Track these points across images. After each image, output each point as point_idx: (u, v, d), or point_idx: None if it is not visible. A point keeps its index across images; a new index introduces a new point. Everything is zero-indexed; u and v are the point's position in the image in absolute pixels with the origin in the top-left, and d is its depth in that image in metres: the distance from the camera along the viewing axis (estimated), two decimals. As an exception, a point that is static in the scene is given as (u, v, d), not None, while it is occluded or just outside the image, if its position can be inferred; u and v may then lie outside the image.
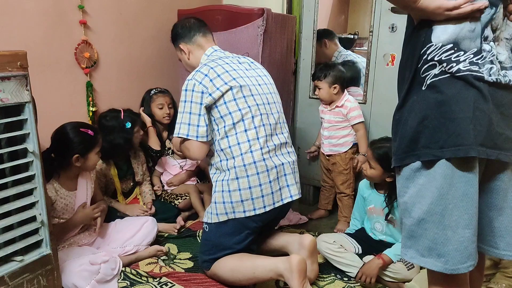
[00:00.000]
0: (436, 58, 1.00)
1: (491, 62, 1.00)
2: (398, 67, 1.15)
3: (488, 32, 1.00)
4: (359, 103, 2.39)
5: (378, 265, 1.75)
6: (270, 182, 1.71)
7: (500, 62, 1.01)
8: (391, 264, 1.77)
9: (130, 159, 2.34)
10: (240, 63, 1.88)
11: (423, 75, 1.03)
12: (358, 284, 1.80)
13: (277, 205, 1.73)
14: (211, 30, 2.39)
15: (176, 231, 2.23)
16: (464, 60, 0.99)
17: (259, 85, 1.84)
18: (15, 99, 1.29)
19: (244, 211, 1.69)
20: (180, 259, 1.99)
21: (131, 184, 2.37)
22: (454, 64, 0.99)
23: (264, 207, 1.70)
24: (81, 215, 1.82)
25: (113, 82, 2.46)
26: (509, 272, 1.62)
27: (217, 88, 1.70)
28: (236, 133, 1.71)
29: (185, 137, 1.71)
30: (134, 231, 1.95)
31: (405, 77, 1.08)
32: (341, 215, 2.39)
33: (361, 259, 1.87)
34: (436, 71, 1.01)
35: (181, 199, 2.41)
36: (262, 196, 1.70)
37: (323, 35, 2.78)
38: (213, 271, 1.75)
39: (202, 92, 1.70)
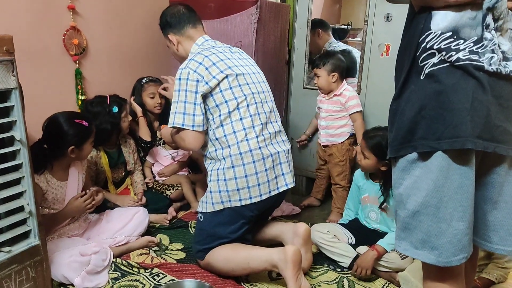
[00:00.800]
0: (435, 47, 0.98)
1: (492, 51, 0.97)
2: (396, 57, 1.12)
3: (489, 20, 0.97)
4: (353, 93, 2.38)
5: (373, 257, 1.75)
6: (266, 170, 1.69)
7: (502, 52, 0.98)
8: (385, 254, 1.76)
9: (121, 148, 2.30)
10: (232, 52, 1.86)
11: (422, 64, 1.00)
12: (351, 274, 1.80)
13: (273, 193, 1.72)
14: (204, 18, 2.37)
15: (168, 222, 2.20)
16: (464, 49, 0.96)
17: (253, 73, 1.83)
18: (0, 85, 1.25)
19: (240, 200, 1.68)
20: (172, 250, 1.96)
21: (123, 173, 2.33)
22: (454, 53, 0.96)
23: (260, 195, 1.69)
24: (71, 207, 1.75)
25: (103, 70, 2.40)
26: (501, 262, 1.63)
27: (213, 77, 1.68)
28: (231, 122, 1.69)
29: (181, 126, 1.67)
30: (125, 221, 1.91)
31: (403, 66, 1.05)
32: (334, 206, 2.39)
33: (355, 249, 1.87)
34: (435, 59, 0.98)
35: (172, 190, 2.38)
36: (258, 185, 1.68)
37: (317, 25, 2.76)
38: (207, 261, 1.73)
39: (197, 81, 1.67)
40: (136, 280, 1.69)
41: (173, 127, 1.71)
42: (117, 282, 1.67)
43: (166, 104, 2.47)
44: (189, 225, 2.19)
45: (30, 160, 1.36)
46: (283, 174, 1.77)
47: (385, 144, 1.84)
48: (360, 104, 2.30)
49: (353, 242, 1.94)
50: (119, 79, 2.49)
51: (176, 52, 1.94)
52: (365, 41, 2.32)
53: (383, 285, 1.75)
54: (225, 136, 1.69)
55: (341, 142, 2.34)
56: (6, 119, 1.29)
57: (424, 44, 0.99)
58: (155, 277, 1.72)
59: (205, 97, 1.69)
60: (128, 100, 2.41)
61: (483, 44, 0.96)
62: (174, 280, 1.70)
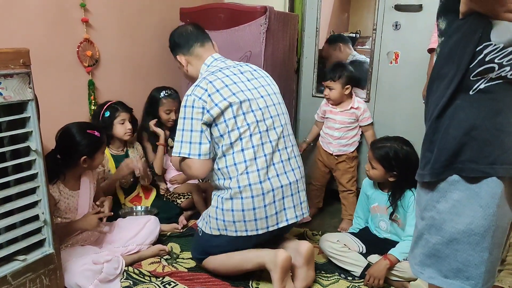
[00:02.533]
0: (496, 61, 0.88)
1: None
2: (435, 63, 0.99)
3: None
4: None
5: (385, 266, 1.74)
6: (265, 206, 1.65)
7: None
8: (397, 263, 1.75)
9: (127, 153, 2.32)
10: (241, 72, 1.78)
11: (475, 78, 0.90)
12: (364, 285, 1.79)
13: (271, 229, 1.68)
14: (213, 28, 2.40)
15: (179, 231, 2.21)
16: None
17: (262, 97, 1.74)
18: (18, 97, 1.28)
19: (236, 231, 1.67)
20: (183, 258, 1.97)
21: (131, 179, 2.34)
22: (508, 68, 0.88)
23: (257, 230, 1.66)
24: (85, 223, 1.77)
25: (115, 80, 2.44)
26: (513, 269, 1.61)
27: (216, 104, 1.63)
28: (233, 153, 1.66)
29: (187, 156, 1.65)
30: (137, 230, 1.93)
31: (445, 76, 0.94)
32: (346, 213, 2.39)
33: (366, 258, 1.86)
34: (493, 75, 0.89)
35: (183, 198, 2.40)
36: (255, 220, 1.65)
37: (337, 39, 2.80)
38: (203, 265, 1.81)
39: (203, 108, 1.64)
40: (148, 289, 1.71)
41: (180, 156, 1.68)
42: (129, 290, 1.69)
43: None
44: (200, 233, 2.20)
45: (45, 170, 1.39)
46: (284, 209, 1.70)
47: (392, 156, 1.84)
48: (371, 116, 2.34)
49: (364, 251, 1.93)
50: (131, 89, 2.53)
51: (186, 73, 1.92)
52: (374, 49, 2.33)
53: (395, 294, 1.74)
54: (226, 167, 1.66)
55: (352, 151, 2.37)
56: (23, 129, 1.32)
57: (482, 56, 0.89)
58: (167, 286, 1.73)
59: (209, 125, 1.66)
60: (141, 119, 2.43)
61: None
62: (185, 288, 1.71)
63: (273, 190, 1.67)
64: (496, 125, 0.89)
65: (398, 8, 2.20)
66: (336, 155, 2.39)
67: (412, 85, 2.20)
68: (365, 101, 2.40)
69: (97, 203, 1.88)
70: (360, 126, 2.34)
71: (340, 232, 2.25)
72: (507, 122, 0.89)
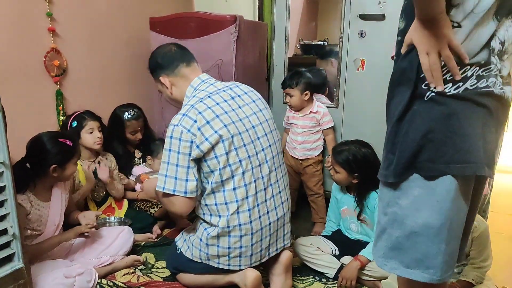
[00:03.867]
0: (447, 77, 0.92)
1: (496, 76, 0.94)
2: (394, 66, 1.04)
3: (495, 44, 0.93)
4: (330, 107, 2.45)
5: (357, 267, 1.79)
6: (252, 245, 1.62)
7: (501, 77, 0.96)
8: (369, 263, 1.80)
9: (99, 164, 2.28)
10: (232, 98, 1.66)
11: (425, 87, 0.94)
12: (337, 287, 1.82)
13: (253, 265, 1.66)
14: (183, 37, 2.42)
15: (153, 240, 2.19)
16: (471, 76, 0.92)
17: (253, 127, 1.65)
18: (-17, 108, 1.25)
19: (218, 263, 1.65)
20: (158, 268, 1.96)
21: (104, 192, 2.31)
22: (461, 84, 0.92)
23: (240, 266, 1.64)
24: (69, 235, 1.79)
25: (83, 90, 2.41)
26: (476, 262, 1.69)
27: (206, 139, 1.53)
28: (224, 190, 1.57)
29: (171, 192, 1.55)
30: (110, 241, 1.90)
31: (401, 84, 0.99)
32: (317, 217, 2.44)
33: (339, 260, 1.90)
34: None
35: (156, 208, 2.38)
36: (240, 257, 1.62)
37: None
38: (176, 278, 1.81)
39: (191, 142, 1.52)
40: (122, 300, 1.68)
41: (164, 192, 1.58)
42: (103, 303, 1.66)
43: (144, 133, 2.52)
44: (174, 242, 2.18)
45: (13, 183, 1.35)
46: (269, 246, 1.68)
47: (352, 158, 1.92)
48: (332, 120, 2.41)
49: (337, 253, 1.98)
50: (100, 99, 2.50)
51: (170, 96, 1.77)
52: (341, 57, 2.40)
53: (368, 294, 1.79)
54: (215, 204, 1.58)
55: (317, 155, 2.43)
56: (-11, 142, 1.29)
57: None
58: (142, 296, 1.72)
59: (198, 160, 1.56)
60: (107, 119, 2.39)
61: (490, 68, 0.93)
62: (161, 298, 1.70)
63: (261, 228, 1.63)
64: (449, 127, 0.93)
65: (363, 17, 2.28)
66: (302, 159, 2.44)
67: (378, 90, 2.27)
68: (333, 107, 2.47)
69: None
70: (322, 130, 2.40)
71: (313, 235, 2.29)
72: (459, 124, 0.93)
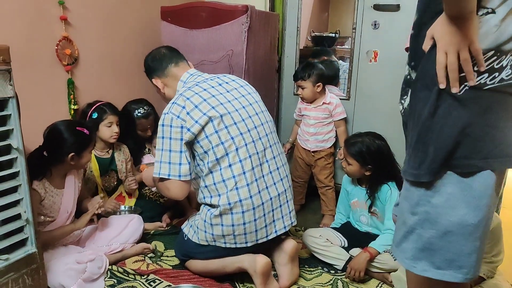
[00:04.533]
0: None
1: None
2: (422, 63, 0.98)
3: None
4: (342, 99, 2.43)
5: (366, 259, 1.78)
6: (255, 220, 1.63)
7: None
8: (378, 255, 1.80)
9: (113, 155, 2.30)
10: (219, 84, 1.74)
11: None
12: (345, 277, 1.82)
13: (260, 241, 1.67)
14: (195, 27, 2.41)
15: (163, 228, 2.21)
16: (507, 66, 0.88)
17: (243, 107, 1.70)
18: (-2, 94, 1.26)
19: (225, 243, 1.66)
20: (167, 256, 1.97)
21: (115, 182, 2.32)
22: (497, 74, 0.88)
23: (246, 243, 1.65)
24: (80, 224, 1.81)
25: (95, 79, 2.42)
26: (488, 257, 1.67)
27: (196, 121, 1.59)
28: (220, 169, 1.62)
29: (166, 177, 1.62)
30: (120, 229, 1.92)
31: (430, 80, 0.94)
32: (326, 209, 2.43)
33: (348, 252, 1.90)
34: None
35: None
36: (245, 234, 1.64)
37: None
38: (186, 265, 1.83)
39: (182, 127, 1.59)
40: (133, 287, 1.70)
41: (159, 177, 1.65)
42: (113, 289, 1.68)
43: (155, 124, 2.49)
44: (184, 231, 2.20)
45: (26, 168, 1.37)
46: (274, 221, 1.70)
47: (365, 150, 1.90)
48: (344, 111, 2.38)
49: (346, 245, 1.97)
50: (111, 88, 2.51)
51: (164, 96, 1.88)
52: (354, 48, 2.38)
53: (377, 286, 1.78)
54: (214, 184, 1.62)
55: (329, 147, 2.42)
56: (4, 127, 1.30)
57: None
58: (151, 283, 1.73)
59: (191, 143, 1.62)
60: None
61: None
62: (171, 285, 1.71)
63: (263, 203, 1.65)
64: (487, 121, 0.90)
65: (377, 7, 2.26)
66: (314, 151, 2.43)
67: (391, 83, 2.26)
68: (345, 99, 2.45)
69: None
70: (334, 122, 2.39)
71: (322, 227, 2.29)
72: (496, 117, 0.90)
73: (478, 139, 0.91)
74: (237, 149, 1.62)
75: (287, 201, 1.75)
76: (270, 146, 1.73)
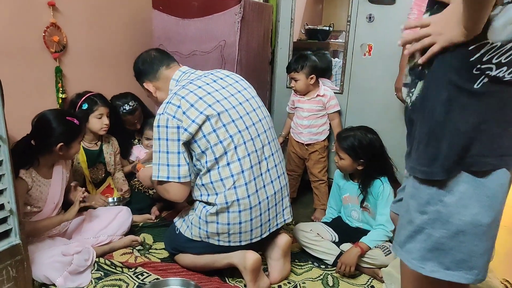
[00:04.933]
0: (494, 61, 0.85)
1: None
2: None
3: None
4: (335, 93, 2.41)
5: (356, 254, 1.77)
6: (251, 220, 1.60)
7: None
8: (369, 251, 1.79)
9: (102, 147, 2.25)
10: (214, 81, 1.69)
11: (477, 72, 0.86)
12: (336, 272, 1.81)
13: (254, 240, 1.65)
14: (187, 16, 2.36)
15: (152, 221, 2.18)
16: None
17: (240, 103, 1.66)
18: (-20, 80, 1.22)
19: (218, 241, 1.63)
20: (156, 249, 1.94)
21: (103, 174, 2.28)
22: None
23: (240, 242, 1.62)
24: (68, 216, 1.76)
25: (83, 68, 2.36)
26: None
27: (193, 121, 1.54)
28: (218, 168, 1.57)
29: (166, 179, 1.58)
30: (108, 221, 1.88)
31: (443, 73, 0.90)
32: (319, 203, 2.42)
33: (338, 247, 1.89)
34: (492, 72, 0.86)
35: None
36: (240, 233, 1.61)
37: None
38: (175, 259, 1.80)
39: (178, 127, 1.54)
40: (120, 280, 1.67)
41: (158, 180, 1.61)
42: (100, 281, 1.64)
43: (143, 116, 2.48)
44: (173, 224, 2.17)
45: (10, 158, 1.33)
46: (269, 220, 1.67)
47: (357, 144, 1.89)
48: (338, 104, 2.36)
49: (337, 240, 1.96)
50: (100, 77, 2.46)
51: (156, 100, 1.81)
52: (348, 41, 2.36)
53: (367, 281, 1.77)
54: (211, 182, 1.58)
55: (323, 140, 2.40)
56: (-14, 115, 1.25)
57: (478, 55, 0.86)
58: (139, 276, 1.70)
59: (188, 143, 1.58)
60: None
61: None
62: (159, 279, 1.68)
63: (260, 203, 1.62)
64: (505, 116, 0.87)
65: (372, 0, 2.23)
66: (307, 144, 2.41)
67: (385, 76, 2.24)
68: (338, 93, 2.43)
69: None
70: (328, 114, 2.37)
71: (313, 221, 2.28)
72: None
73: (494, 135, 0.88)
74: (235, 148, 1.58)
75: (282, 199, 1.73)
76: (269, 143, 1.69)
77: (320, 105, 2.35)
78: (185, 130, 1.54)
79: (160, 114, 1.58)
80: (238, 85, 1.73)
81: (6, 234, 1.35)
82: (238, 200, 1.57)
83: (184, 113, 1.55)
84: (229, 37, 2.33)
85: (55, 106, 2.21)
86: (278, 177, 1.70)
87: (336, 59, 2.81)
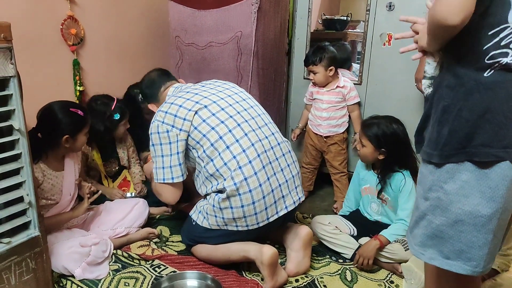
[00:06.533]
0: None
1: None
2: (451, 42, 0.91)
3: None
4: (354, 84, 2.36)
5: (375, 247, 1.73)
6: (264, 197, 1.61)
7: None
8: (388, 245, 1.75)
9: (114, 142, 2.26)
10: (203, 86, 1.81)
11: (489, 61, 0.86)
12: (353, 265, 1.79)
13: (271, 219, 1.64)
14: (203, 7, 2.34)
15: (169, 213, 2.19)
16: None
17: (229, 96, 1.75)
18: (-1, 73, 1.22)
19: (237, 226, 1.63)
20: (172, 241, 1.95)
21: (116, 168, 2.28)
22: None
23: (258, 223, 1.62)
24: (77, 212, 1.78)
25: (101, 60, 2.37)
26: (504, 249, 1.62)
27: (184, 119, 1.64)
28: (219, 153, 1.61)
29: (163, 181, 1.68)
30: (125, 213, 1.89)
31: (457, 54, 0.90)
32: (340, 195, 2.38)
33: (357, 241, 1.86)
34: (508, 59, 0.84)
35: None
36: (255, 214, 1.60)
37: None
38: (192, 251, 1.81)
39: (167, 131, 1.64)
40: (137, 272, 1.68)
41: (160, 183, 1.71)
42: (118, 273, 1.65)
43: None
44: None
45: (29, 150, 1.33)
46: (283, 197, 1.67)
47: (381, 133, 1.85)
48: (358, 95, 2.32)
49: (355, 234, 1.93)
50: (117, 70, 2.46)
51: None
52: (367, 31, 2.29)
53: (386, 276, 1.74)
54: (217, 170, 1.61)
55: (342, 132, 2.36)
56: (5, 108, 1.26)
57: (497, 39, 0.85)
58: (156, 269, 1.71)
59: (186, 141, 1.66)
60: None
61: None
62: (175, 271, 1.68)
63: (268, 179, 1.62)
64: (511, 107, 0.86)
65: (393, -12, 2.16)
66: (326, 137, 2.37)
67: (405, 67, 2.17)
68: (357, 84, 2.38)
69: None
70: (347, 106, 2.32)
71: (334, 211, 2.25)
72: None
73: (500, 126, 0.87)
74: (230, 131, 1.63)
75: (293, 176, 1.73)
76: (266, 125, 1.75)
77: (340, 97, 2.30)
78: (180, 130, 1.63)
79: (152, 122, 1.70)
80: (229, 91, 1.81)
81: (25, 226, 1.36)
82: (246, 179, 1.58)
83: (175, 116, 1.64)
84: (245, 28, 2.30)
85: (72, 98, 2.23)
86: (283, 154, 1.73)
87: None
